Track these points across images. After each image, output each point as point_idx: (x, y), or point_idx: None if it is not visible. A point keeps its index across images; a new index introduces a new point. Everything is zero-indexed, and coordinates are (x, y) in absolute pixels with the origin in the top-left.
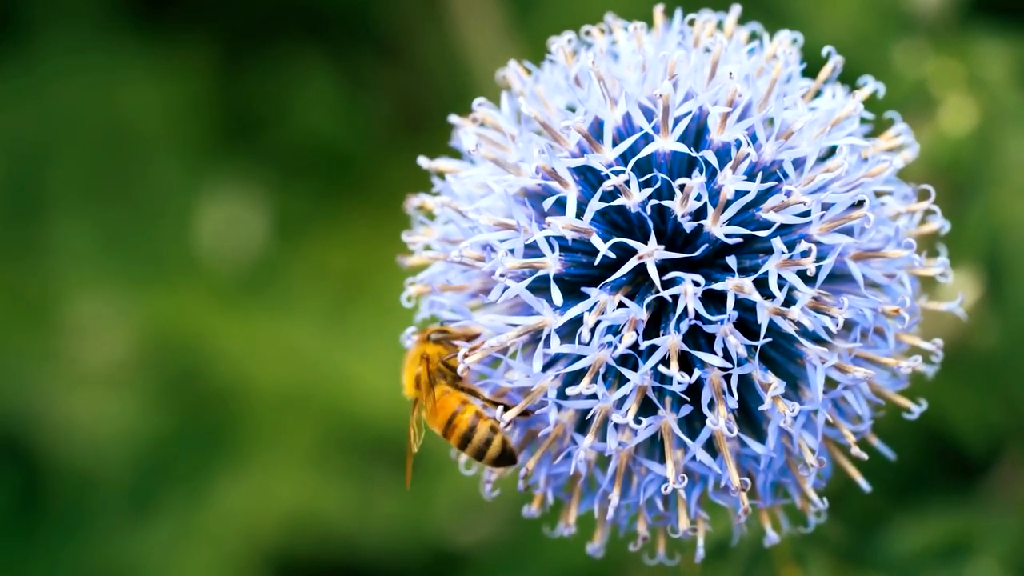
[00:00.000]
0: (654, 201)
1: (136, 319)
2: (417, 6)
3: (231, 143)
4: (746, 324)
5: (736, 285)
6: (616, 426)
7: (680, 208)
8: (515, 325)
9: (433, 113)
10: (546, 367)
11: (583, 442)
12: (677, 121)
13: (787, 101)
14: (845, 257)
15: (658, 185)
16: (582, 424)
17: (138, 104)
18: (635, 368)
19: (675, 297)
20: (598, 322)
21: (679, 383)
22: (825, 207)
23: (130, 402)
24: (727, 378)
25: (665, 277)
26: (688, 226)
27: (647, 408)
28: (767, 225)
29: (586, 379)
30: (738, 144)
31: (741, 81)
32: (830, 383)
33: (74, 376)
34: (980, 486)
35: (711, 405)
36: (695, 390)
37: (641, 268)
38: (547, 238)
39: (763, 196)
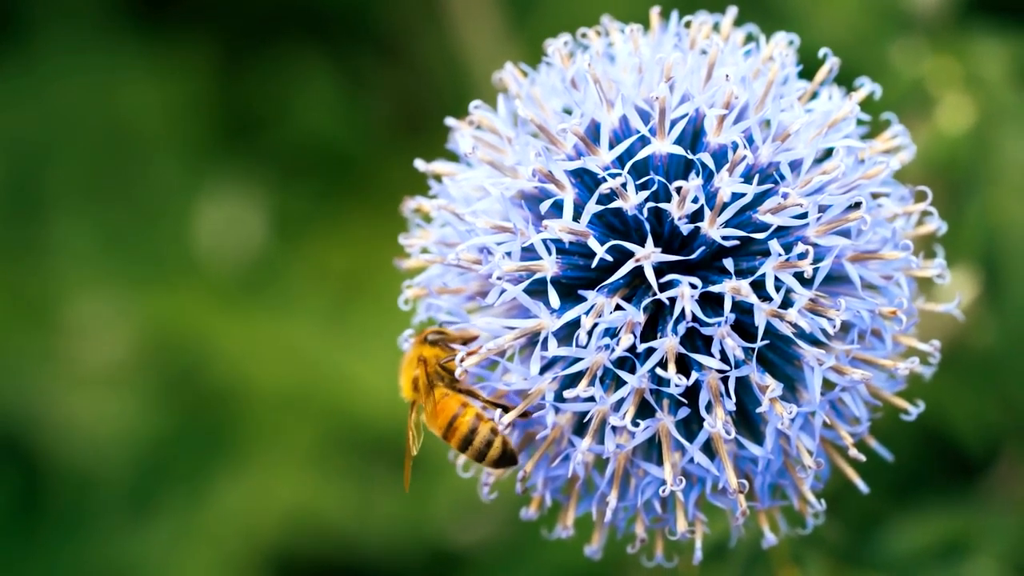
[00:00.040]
0: (651, 204)
1: (136, 319)
2: (417, 6)
3: (231, 143)
4: (743, 326)
5: (733, 287)
6: (614, 428)
7: (677, 211)
8: (512, 328)
9: (433, 113)
10: (543, 370)
11: (581, 444)
12: (674, 123)
13: (784, 103)
14: (842, 259)
15: (655, 188)
16: (580, 426)
17: (138, 104)
18: (632, 371)
19: (672, 300)
20: (595, 325)
21: (676, 385)
22: (822, 209)
23: (130, 402)
24: (724, 380)
25: (662, 280)
26: (685, 229)
27: (645, 410)
28: (764, 227)
29: (583, 382)
30: (735, 146)
31: (737, 83)
32: (828, 385)
33: (74, 376)
34: (978, 485)
35: (709, 407)
36: (692, 392)
37: (638, 271)
38: (544, 241)
39: (760, 198)
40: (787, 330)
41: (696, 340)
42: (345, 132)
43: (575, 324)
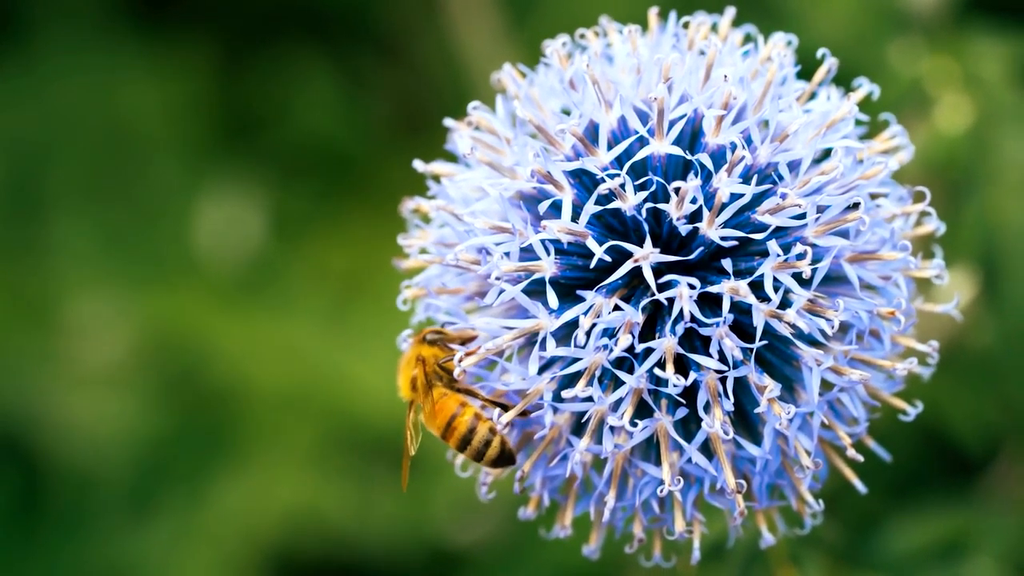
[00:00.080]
0: (649, 204)
1: (136, 319)
2: (417, 6)
3: (231, 143)
4: (742, 327)
5: (732, 288)
6: (612, 428)
7: (675, 211)
8: (511, 328)
9: (433, 113)
10: (542, 370)
11: (579, 444)
12: (672, 124)
13: (782, 103)
14: (841, 259)
15: (653, 188)
16: (578, 426)
17: (138, 104)
18: (631, 371)
19: (671, 300)
20: (594, 325)
21: (675, 386)
22: (820, 209)
23: (130, 402)
24: (723, 381)
25: (661, 280)
26: (683, 229)
27: (643, 411)
28: (762, 228)
29: (582, 382)
30: (733, 147)
31: (736, 84)
32: (826, 385)
33: (74, 376)
34: (977, 485)
35: (707, 408)
36: (691, 393)
37: (637, 271)
38: (543, 241)
39: (758, 199)
40: (785, 330)
41: (694, 340)
42: (345, 132)
43: (573, 324)
